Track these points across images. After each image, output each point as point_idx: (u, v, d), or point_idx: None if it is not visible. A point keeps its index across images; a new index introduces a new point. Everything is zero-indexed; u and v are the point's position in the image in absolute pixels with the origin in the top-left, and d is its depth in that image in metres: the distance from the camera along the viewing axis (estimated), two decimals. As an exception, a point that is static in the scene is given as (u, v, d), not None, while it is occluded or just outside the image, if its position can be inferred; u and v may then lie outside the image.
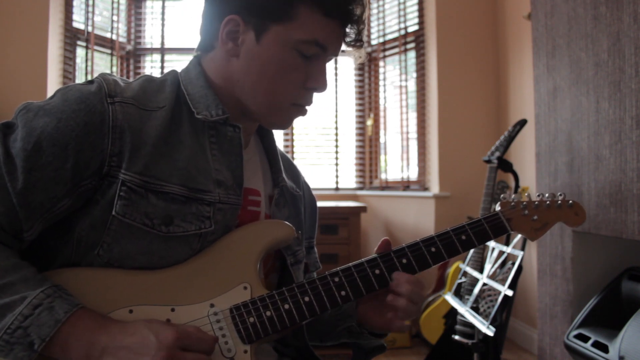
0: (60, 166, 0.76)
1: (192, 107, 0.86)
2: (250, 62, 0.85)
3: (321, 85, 0.88)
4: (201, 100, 0.87)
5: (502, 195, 0.97)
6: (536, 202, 0.95)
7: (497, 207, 0.95)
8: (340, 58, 3.79)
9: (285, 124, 0.92)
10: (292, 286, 0.84)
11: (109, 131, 0.78)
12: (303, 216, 1.05)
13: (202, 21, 0.90)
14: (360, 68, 3.88)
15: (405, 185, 3.56)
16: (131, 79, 0.87)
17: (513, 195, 0.96)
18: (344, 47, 0.91)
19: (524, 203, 0.95)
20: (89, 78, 0.86)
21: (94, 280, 0.79)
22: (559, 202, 0.96)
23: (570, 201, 0.96)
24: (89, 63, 3.42)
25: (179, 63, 3.85)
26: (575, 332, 1.41)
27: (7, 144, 0.76)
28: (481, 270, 1.85)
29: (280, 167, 0.99)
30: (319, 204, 1.16)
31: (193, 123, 0.86)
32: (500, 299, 1.64)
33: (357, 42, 0.90)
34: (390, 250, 0.89)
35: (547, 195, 0.97)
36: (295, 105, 0.89)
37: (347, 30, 0.88)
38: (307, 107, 0.91)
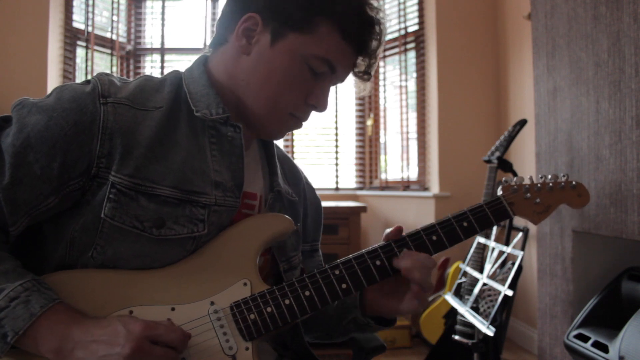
0: (47, 164, 0.76)
1: (192, 105, 0.85)
2: (259, 63, 0.85)
3: (321, 105, 0.88)
4: (202, 99, 0.86)
5: (503, 179, 0.94)
6: (538, 185, 0.93)
7: (499, 191, 0.93)
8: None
9: (278, 134, 0.92)
10: (292, 281, 0.84)
11: (99, 132, 0.77)
12: (301, 221, 1.04)
13: (221, 14, 0.90)
14: (360, 68, 3.87)
15: (405, 185, 3.56)
16: (131, 79, 0.87)
17: (515, 179, 0.93)
18: (350, 76, 0.91)
19: (527, 186, 0.92)
20: (89, 78, 0.85)
21: (93, 282, 0.78)
22: (562, 183, 0.93)
23: (574, 182, 0.94)
24: (89, 63, 3.42)
25: (179, 63, 3.85)
26: (575, 332, 1.41)
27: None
28: (481, 270, 1.85)
29: (276, 171, 0.98)
30: (319, 204, 1.15)
31: (192, 123, 0.85)
32: (500, 299, 1.64)
33: (365, 75, 0.90)
34: (390, 240, 0.88)
35: (549, 177, 0.94)
36: (292, 115, 0.88)
37: (359, 61, 0.88)
38: (303, 122, 0.91)
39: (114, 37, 3.58)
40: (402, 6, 3.57)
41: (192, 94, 0.87)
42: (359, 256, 0.86)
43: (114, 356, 0.70)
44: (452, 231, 0.88)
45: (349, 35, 0.83)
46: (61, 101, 0.78)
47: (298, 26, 0.82)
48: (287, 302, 0.82)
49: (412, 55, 3.57)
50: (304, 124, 0.92)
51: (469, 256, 2.10)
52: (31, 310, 0.71)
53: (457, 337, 2.11)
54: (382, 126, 3.81)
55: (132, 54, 3.74)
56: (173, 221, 0.80)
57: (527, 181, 0.94)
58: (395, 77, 3.75)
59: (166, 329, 0.74)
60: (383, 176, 3.78)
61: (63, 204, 0.79)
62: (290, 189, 1.02)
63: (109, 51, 3.56)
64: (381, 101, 3.80)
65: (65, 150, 0.76)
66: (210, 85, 0.88)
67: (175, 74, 0.90)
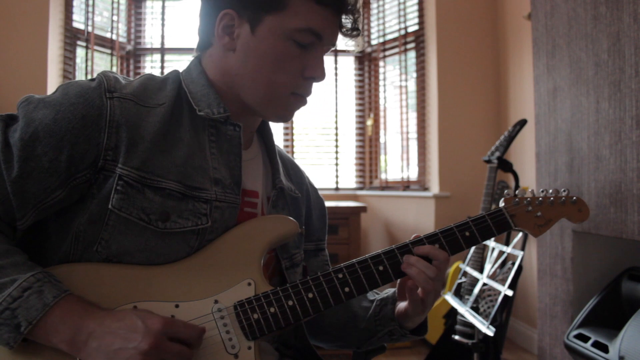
0: (55, 157, 0.77)
1: (194, 105, 0.86)
2: (247, 54, 0.86)
3: (319, 75, 0.88)
4: (203, 99, 0.87)
5: (505, 191, 0.96)
6: (540, 199, 0.95)
7: (501, 203, 0.95)
8: (340, 58, 3.79)
9: (287, 115, 0.92)
10: (295, 282, 0.85)
11: (106, 125, 0.78)
12: (304, 218, 1.05)
13: (199, 20, 0.91)
14: (360, 68, 3.87)
15: (405, 185, 3.56)
16: (133, 78, 0.88)
17: (517, 191, 0.96)
18: (341, 37, 0.90)
19: (528, 199, 0.94)
20: (89, 78, 0.87)
21: (96, 275, 0.79)
22: (563, 198, 0.95)
23: (574, 197, 0.96)
24: (89, 63, 3.42)
25: (179, 63, 3.85)
26: (575, 332, 1.41)
27: (7, 134, 0.78)
28: (481, 270, 1.85)
29: (278, 168, 0.99)
30: (320, 204, 1.15)
31: (193, 121, 0.86)
32: (500, 299, 1.64)
33: (354, 31, 0.90)
34: (394, 246, 0.89)
35: (550, 191, 0.96)
36: (294, 94, 0.89)
37: (343, 20, 0.88)
38: (307, 97, 0.91)
39: (114, 37, 3.58)
40: (402, 6, 3.57)
41: (192, 93, 0.88)
42: (362, 261, 0.87)
43: (129, 350, 0.70)
44: (454, 240, 0.90)
45: None
46: (68, 96, 0.79)
47: (271, 6, 0.83)
48: (290, 303, 0.83)
49: (412, 55, 3.57)
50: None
51: (469, 256, 2.10)
52: (44, 300, 0.72)
53: (457, 337, 2.11)
54: (382, 126, 3.81)
55: (132, 54, 3.74)
56: (177, 215, 0.81)
57: (528, 194, 0.95)
58: (395, 77, 3.75)
59: (184, 325, 0.75)
60: (383, 176, 3.78)
61: (70, 198, 0.79)
62: (293, 186, 1.03)
63: (109, 51, 3.56)
64: (381, 101, 3.80)
65: (72, 143, 0.77)
66: (210, 85, 0.89)
67: (176, 73, 0.91)
